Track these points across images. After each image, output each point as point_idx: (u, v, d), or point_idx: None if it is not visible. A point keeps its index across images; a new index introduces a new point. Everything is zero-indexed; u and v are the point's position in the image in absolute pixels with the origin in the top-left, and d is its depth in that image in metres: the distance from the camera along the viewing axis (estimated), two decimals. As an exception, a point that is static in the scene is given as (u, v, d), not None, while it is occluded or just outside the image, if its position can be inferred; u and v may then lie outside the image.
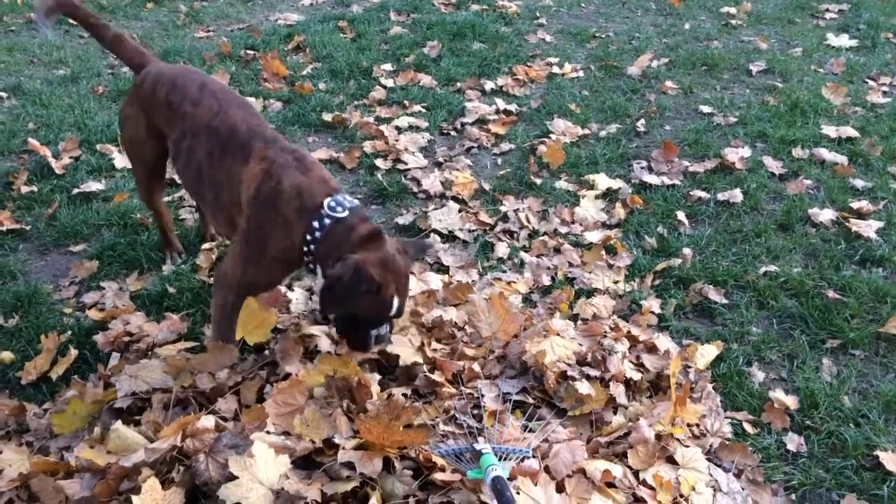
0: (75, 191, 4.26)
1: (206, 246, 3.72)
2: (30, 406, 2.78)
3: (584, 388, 2.68)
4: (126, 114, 3.27)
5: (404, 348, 2.86)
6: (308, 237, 2.60)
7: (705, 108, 5.22)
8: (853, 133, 4.75)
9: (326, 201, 2.61)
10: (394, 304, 2.57)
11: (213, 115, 2.87)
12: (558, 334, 2.97)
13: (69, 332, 3.17)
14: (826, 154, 4.54)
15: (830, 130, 4.78)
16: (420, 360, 2.83)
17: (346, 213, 2.59)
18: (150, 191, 3.47)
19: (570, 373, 2.77)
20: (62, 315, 3.33)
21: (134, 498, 2.05)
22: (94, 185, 4.29)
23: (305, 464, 2.34)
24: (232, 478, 2.14)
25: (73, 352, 3.02)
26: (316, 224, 2.59)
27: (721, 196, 4.18)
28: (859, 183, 4.26)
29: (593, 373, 2.78)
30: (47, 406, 2.81)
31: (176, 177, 3.74)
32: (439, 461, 2.32)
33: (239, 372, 2.79)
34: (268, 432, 2.38)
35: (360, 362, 2.83)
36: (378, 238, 2.61)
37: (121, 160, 4.58)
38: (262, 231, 2.67)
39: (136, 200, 4.16)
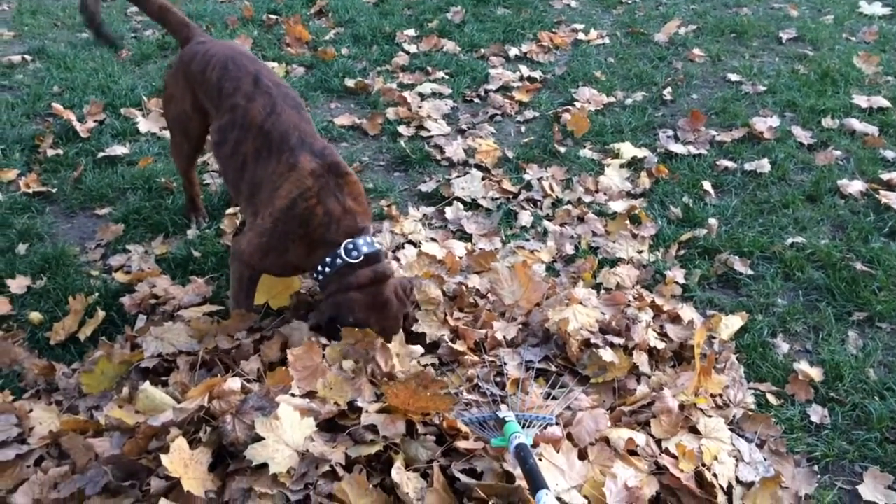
0: (100, 154, 4.28)
1: (230, 211, 3.73)
2: (58, 366, 2.82)
3: (607, 355, 2.68)
4: (171, 91, 3.26)
5: (429, 324, 2.87)
6: (320, 268, 2.72)
7: (733, 77, 5.13)
8: (885, 103, 4.65)
9: (345, 243, 2.68)
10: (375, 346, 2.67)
11: (265, 116, 2.82)
12: (581, 303, 2.96)
13: (96, 294, 3.20)
14: (856, 124, 4.46)
15: (861, 100, 4.69)
16: (445, 332, 2.83)
17: (358, 260, 2.67)
18: (190, 162, 3.52)
19: (593, 340, 2.77)
20: (89, 277, 3.37)
21: (163, 457, 2.08)
22: (118, 149, 4.31)
23: (330, 427, 2.37)
24: (258, 439, 2.16)
25: (101, 313, 3.06)
26: (328, 260, 2.69)
27: (748, 166, 4.12)
28: (890, 154, 4.19)
29: (617, 341, 2.78)
30: (76, 366, 2.86)
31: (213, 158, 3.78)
32: (463, 428, 2.33)
33: (258, 330, 2.82)
34: (292, 395, 2.40)
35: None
36: (378, 282, 2.69)
37: (145, 124, 4.59)
38: (285, 239, 2.72)
39: (160, 165, 4.18)
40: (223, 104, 2.94)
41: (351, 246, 2.67)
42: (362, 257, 2.67)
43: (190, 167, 3.55)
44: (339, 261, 2.67)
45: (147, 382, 2.45)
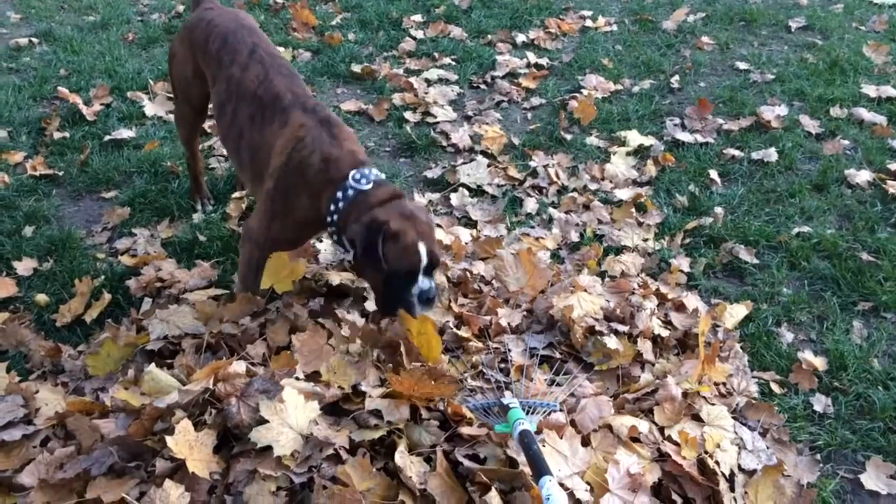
0: (107, 137, 4.28)
1: (236, 195, 3.74)
2: (65, 348, 2.84)
3: (611, 342, 2.68)
4: (174, 51, 3.39)
5: (434, 311, 2.87)
6: (332, 207, 2.65)
7: (742, 65, 5.10)
8: (893, 93, 4.63)
9: (352, 173, 2.64)
10: (421, 250, 2.54)
11: (258, 83, 2.90)
12: (585, 290, 2.96)
13: (102, 277, 3.22)
14: (865, 114, 4.43)
15: (870, 90, 4.66)
16: (450, 318, 2.84)
17: (369, 186, 2.62)
18: (193, 129, 3.57)
19: (597, 328, 2.77)
20: (95, 260, 3.38)
21: (168, 438, 2.09)
22: (125, 133, 4.31)
23: (334, 410, 2.38)
24: (263, 421, 2.18)
25: (107, 296, 3.07)
26: (339, 195, 2.63)
27: (755, 155, 4.11)
28: (898, 144, 4.17)
29: (621, 328, 2.78)
30: (82, 348, 2.88)
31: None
32: (467, 414, 2.34)
33: (263, 313, 2.83)
34: (297, 378, 2.41)
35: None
36: (396, 198, 2.64)
37: (151, 108, 4.59)
38: (288, 196, 2.73)
39: (166, 149, 4.18)
40: (220, 75, 3.03)
41: (359, 175, 2.64)
42: (372, 183, 2.63)
43: (192, 137, 3.59)
44: (350, 191, 2.62)
45: (153, 365, 2.46)
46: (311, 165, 2.68)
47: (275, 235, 2.82)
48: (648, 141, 4.24)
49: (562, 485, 2.09)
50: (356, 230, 2.56)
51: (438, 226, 3.46)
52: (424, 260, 2.56)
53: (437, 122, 4.50)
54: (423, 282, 2.58)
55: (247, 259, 2.91)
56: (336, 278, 3.04)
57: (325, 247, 3.27)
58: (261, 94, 2.88)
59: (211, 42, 3.09)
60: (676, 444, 2.36)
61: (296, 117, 2.76)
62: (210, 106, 3.32)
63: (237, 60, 2.99)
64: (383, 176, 2.71)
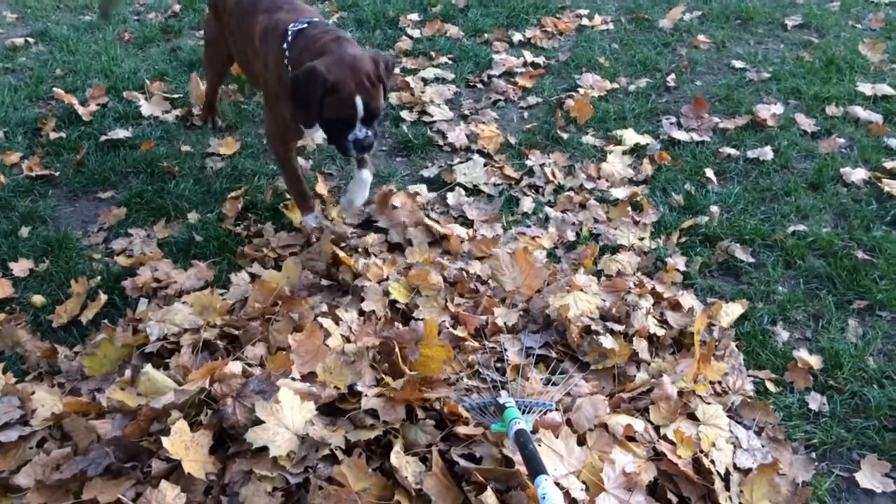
0: (103, 138, 4.27)
1: (232, 194, 3.73)
2: (61, 348, 2.84)
3: (607, 342, 2.69)
4: (208, 21, 3.93)
5: (430, 310, 2.87)
6: (284, 61, 2.93)
7: (738, 63, 5.10)
8: (889, 91, 4.63)
9: (290, 25, 2.94)
10: (356, 102, 2.72)
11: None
12: (581, 289, 2.97)
13: (98, 278, 3.22)
14: (861, 112, 4.44)
15: (866, 88, 4.67)
16: (446, 317, 2.84)
17: (304, 25, 2.91)
18: (217, 73, 4.12)
19: (593, 327, 2.78)
20: (91, 260, 3.38)
21: (164, 439, 2.10)
22: (121, 133, 4.31)
23: (330, 410, 2.38)
24: (258, 422, 2.18)
25: (103, 296, 3.07)
26: (285, 45, 2.92)
27: (751, 153, 4.11)
28: (893, 142, 4.17)
29: (617, 328, 2.78)
30: (78, 349, 2.88)
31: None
32: (463, 414, 2.35)
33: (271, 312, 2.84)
34: (293, 379, 2.42)
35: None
36: (340, 42, 2.84)
37: (147, 108, 4.58)
38: (265, 69, 3.09)
39: (163, 148, 4.18)
40: (228, 15, 3.50)
41: (294, 24, 2.95)
42: (306, 24, 2.92)
43: (216, 78, 4.15)
44: (289, 37, 2.92)
45: (149, 365, 2.47)
46: (268, 32, 3.04)
47: (278, 123, 3.16)
48: (645, 140, 4.24)
49: (557, 484, 2.10)
50: (293, 78, 2.76)
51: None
52: (360, 112, 2.76)
53: (434, 122, 4.50)
54: (359, 130, 2.81)
55: (277, 156, 3.38)
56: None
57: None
58: (242, 4, 3.34)
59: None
60: (672, 442, 2.37)
61: (261, 10, 3.18)
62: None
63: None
64: (323, 19, 3.04)
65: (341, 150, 2.91)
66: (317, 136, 3.68)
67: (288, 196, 3.62)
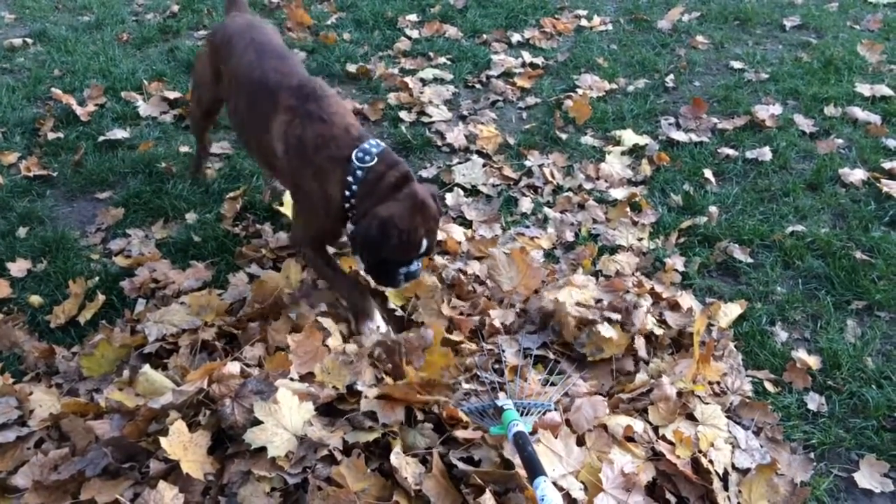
0: (101, 138, 4.27)
1: (230, 195, 3.73)
2: (59, 349, 2.84)
3: (605, 330, 2.68)
4: (199, 55, 3.67)
5: (428, 314, 2.87)
6: (346, 192, 2.67)
7: (736, 64, 5.11)
8: (888, 92, 4.63)
9: (354, 153, 2.66)
10: (422, 244, 2.65)
11: (251, 69, 2.99)
12: (578, 287, 2.97)
13: (96, 278, 3.21)
14: (859, 113, 4.44)
15: (864, 88, 4.67)
16: (443, 321, 2.84)
17: (374, 162, 2.64)
18: (201, 128, 3.78)
19: (591, 317, 2.77)
20: (89, 261, 3.37)
21: (162, 439, 2.09)
22: (119, 133, 4.30)
23: (329, 411, 2.38)
24: (257, 422, 2.18)
25: (101, 297, 3.06)
26: (350, 178, 2.65)
27: (750, 154, 4.11)
28: (892, 143, 4.17)
29: (614, 316, 2.78)
30: (76, 349, 2.87)
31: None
32: (462, 417, 2.34)
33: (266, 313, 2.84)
34: (291, 379, 2.41)
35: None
36: (407, 182, 2.66)
37: (145, 108, 4.58)
38: (302, 183, 2.79)
39: (161, 149, 4.18)
40: (226, 72, 3.17)
41: (361, 153, 2.67)
42: (376, 158, 2.66)
43: (201, 133, 3.80)
44: (358, 172, 2.64)
45: (147, 365, 2.46)
46: (306, 143, 2.73)
47: (314, 231, 2.90)
48: (643, 140, 4.24)
49: (556, 485, 2.10)
50: (367, 227, 2.59)
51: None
52: (423, 251, 2.68)
53: (433, 122, 4.49)
54: (412, 265, 2.71)
55: (311, 261, 2.97)
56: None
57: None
58: (253, 79, 2.97)
59: (222, 45, 3.23)
60: (671, 443, 2.37)
61: (283, 99, 2.82)
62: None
63: (235, 52, 3.11)
64: (382, 144, 2.74)
65: (390, 283, 2.76)
66: None
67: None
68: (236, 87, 3.06)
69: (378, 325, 2.79)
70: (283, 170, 2.87)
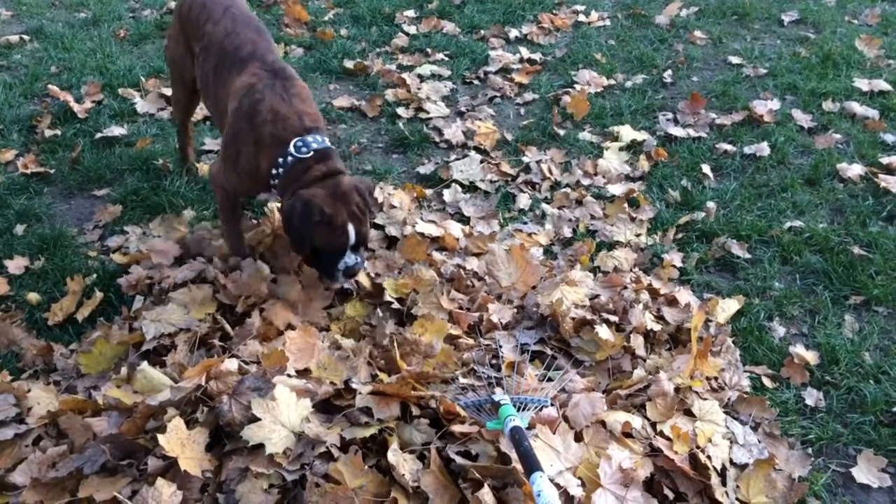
0: (98, 135, 4.26)
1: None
2: (56, 346, 2.83)
3: (603, 332, 2.69)
4: (170, 33, 3.57)
5: (427, 307, 2.87)
6: (273, 171, 2.79)
7: (734, 59, 5.10)
8: (886, 87, 4.63)
9: (294, 141, 2.76)
10: (349, 232, 2.72)
11: (225, 35, 3.07)
12: (576, 284, 2.97)
13: (94, 275, 3.21)
14: (857, 108, 4.44)
15: (862, 83, 4.67)
16: (442, 315, 2.84)
17: (309, 155, 2.75)
18: (186, 111, 3.76)
19: (588, 317, 2.78)
20: (87, 258, 3.37)
21: (160, 436, 2.09)
22: (116, 130, 4.29)
23: (326, 408, 2.38)
24: (255, 419, 2.18)
25: (99, 294, 3.06)
26: (280, 160, 2.77)
27: (748, 149, 4.11)
28: (890, 138, 4.17)
29: (611, 318, 2.79)
30: (74, 346, 2.87)
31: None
32: (459, 412, 2.34)
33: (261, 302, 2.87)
34: (289, 375, 2.41)
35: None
36: (333, 176, 2.77)
37: (143, 105, 4.57)
38: (237, 142, 2.86)
39: (158, 146, 4.17)
40: (199, 34, 3.20)
41: (300, 143, 2.77)
42: (312, 153, 2.76)
43: (185, 117, 3.80)
44: (290, 158, 2.76)
45: (145, 363, 2.46)
46: (258, 113, 2.81)
47: (230, 183, 2.99)
48: (641, 136, 4.24)
49: (554, 481, 2.10)
50: (290, 206, 2.70)
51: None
52: (352, 240, 2.74)
53: (430, 118, 4.49)
54: (348, 257, 2.78)
55: (219, 200, 3.11)
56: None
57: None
58: (226, 45, 3.05)
59: (193, 11, 3.28)
60: (668, 438, 2.37)
61: (252, 68, 2.91)
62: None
63: (212, 18, 3.17)
64: (328, 142, 2.84)
65: (329, 276, 2.86)
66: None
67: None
68: (207, 49, 3.12)
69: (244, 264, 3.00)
70: (228, 123, 2.94)
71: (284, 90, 2.85)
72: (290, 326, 2.76)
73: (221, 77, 3.02)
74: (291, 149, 2.75)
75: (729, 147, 4.14)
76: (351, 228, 2.73)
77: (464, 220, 3.60)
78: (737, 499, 2.28)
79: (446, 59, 5.19)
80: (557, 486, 2.11)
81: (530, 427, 2.28)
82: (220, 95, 3.02)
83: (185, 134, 3.90)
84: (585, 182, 3.89)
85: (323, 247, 2.75)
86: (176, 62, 3.50)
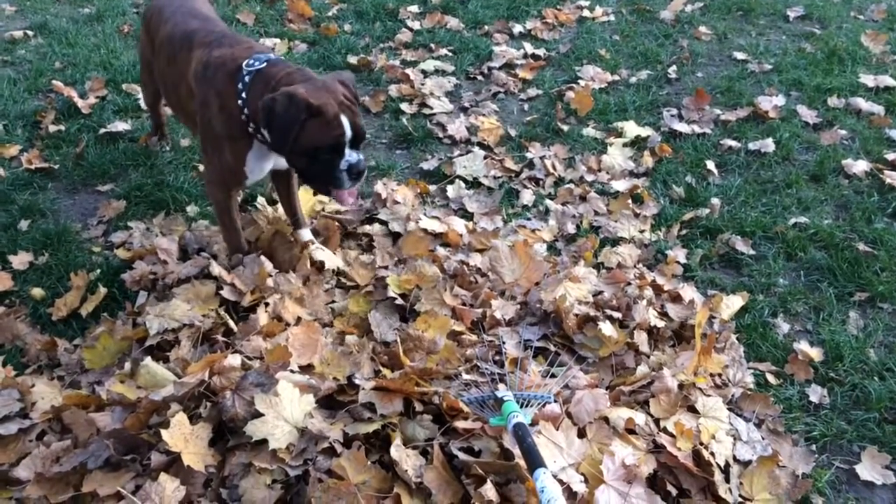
0: (102, 130, 4.26)
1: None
2: (61, 341, 2.84)
3: (606, 328, 2.68)
4: (140, 37, 3.68)
5: (430, 302, 2.87)
6: (239, 101, 2.61)
7: (739, 55, 5.08)
8: (891, 82, 4.61)
9: (245, 61, 2.65)
10: (343, 122, 2.48)
11: (173, 28, 3.09)
12: (579, 280, 2.97)
13: (98, 271, 3.21)
14: (862, 104, 4.42)
15: (868, 79, 4.65)
16: (445, 311, 2.84)
17: (263, 65, 2.62)
18: (155, 98, 3.88)
19: (592, 314, 2.77)
20: (91, 253, 3.38)
21: (163, 432, 2.10)
22: (120, 126, 4.29)
23: (329, 403, 2.38)
24: (258, 415, 2.18)
25: (102, 290, 3.06)
26: (240, 85, 2.62)
27: (752, 145, 4.10)
28: (895, 134, 4.15)
29: (615, 314, 2.78)
30: (77, 342, 2.88)
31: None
32: (462, 408, 2.34)
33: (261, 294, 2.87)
34: (292, 371, 2.42)
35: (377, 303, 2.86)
36: (304, 73, 2.61)
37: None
38: (206, 108, 2.77)
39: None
40: (154, 39, 3.28)
41: (251, 61, 2.65)
42: (265, 63, 2.62)
43: (155, 103, 3.94)
44: (245, 77, 2.61)
45: (148, 358, 2.46)
46: (209, 66, 2.75)
47: (220, 167, 2.86)
48: (645, 132, 4.23)
49: (557, 478, 2.10)
50: (270, 101, 2.45)
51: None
52: (349, 132, 2.51)
53: (434, 114, 4.48)
54: (350, 155, 2.54)
55: (216, 204, 3.05)
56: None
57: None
58: (174, 36, 3.06)
59: (152, 18, 3.35)
60: (672, 435, 2.36)
61: (198, 39, 2.92)
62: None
63: (162, 18, 3.22)
64: (279, 57, 2.75)
65: (332, 183, 2.59)
66: (265, 179, 3.23)
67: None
68: (158, 49, 3.18)
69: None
70: (196, 109, 2.85)
71: (231, 42, 2.83)
72: (299, 320, 2.76)
73: (174, 65, 3.03)
74: (244, 69, 2.61)
75: (733, 143, 4.13)
76: (345, 120, 2.49)
77: (467, 216, 3.60)
78: (740, 495, 2.28)
79: (450, 54, 5.18)
80: (561, 482, 2.11)
81: (533, 423, 2.27)
82: (176, 82, 3.04)
83: (157, 114, 4.03)
84: (589, 178, 3.89)
85: (317, 146, 2.50)
86: (144, 61, 3.66)
